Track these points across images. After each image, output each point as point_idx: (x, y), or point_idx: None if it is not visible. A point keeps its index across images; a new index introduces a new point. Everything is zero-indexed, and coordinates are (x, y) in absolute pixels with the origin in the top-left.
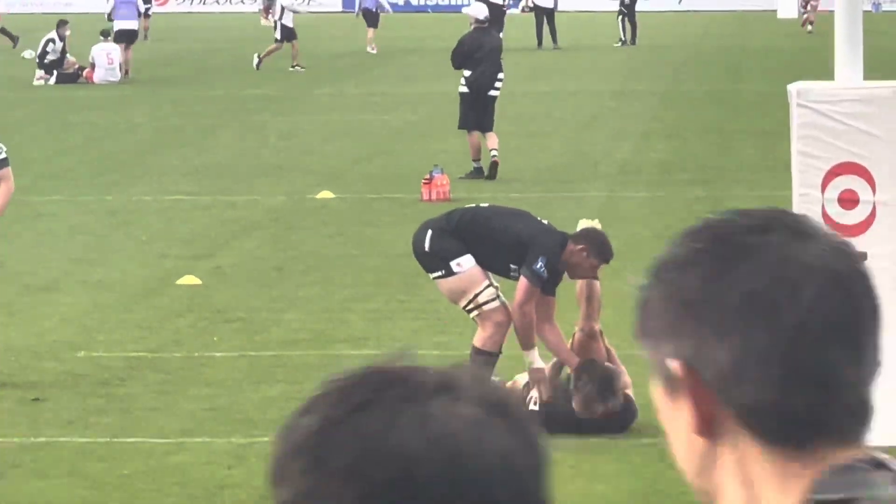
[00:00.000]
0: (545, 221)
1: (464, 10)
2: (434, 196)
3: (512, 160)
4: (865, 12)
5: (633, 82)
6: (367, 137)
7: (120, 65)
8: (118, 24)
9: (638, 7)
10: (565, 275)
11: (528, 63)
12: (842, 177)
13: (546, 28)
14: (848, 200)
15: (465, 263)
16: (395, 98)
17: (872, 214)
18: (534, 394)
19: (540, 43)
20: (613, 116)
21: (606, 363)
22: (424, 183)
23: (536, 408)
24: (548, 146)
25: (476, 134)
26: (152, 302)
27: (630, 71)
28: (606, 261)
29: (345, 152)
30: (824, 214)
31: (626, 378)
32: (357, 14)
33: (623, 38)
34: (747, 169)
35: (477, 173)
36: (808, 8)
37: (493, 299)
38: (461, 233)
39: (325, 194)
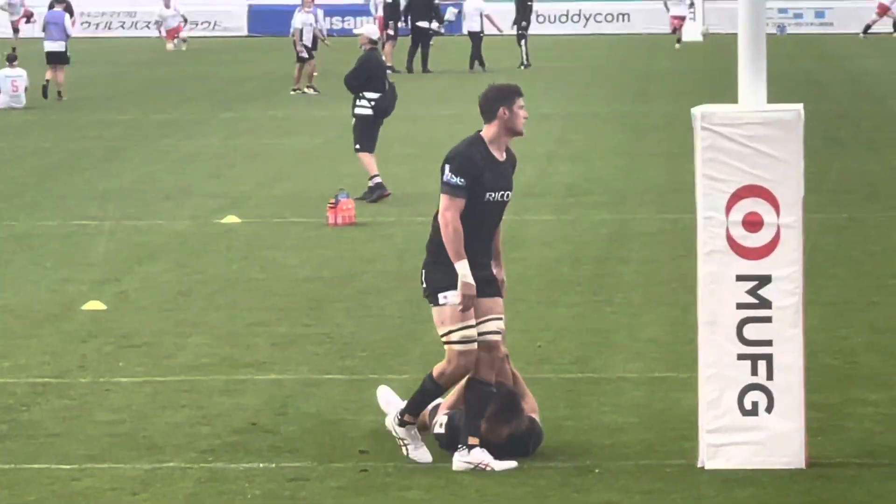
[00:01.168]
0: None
1: (356, 30)
2: (340, 220)
3: (419, 183)
4: (770, 35)
5: (539, 105)
6: (272, 161)
7: (44, 87)
8: (46, 46)
9: (545, 30)
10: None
11: (434, 87)
12: (746, 199)
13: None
14: (752, 223)
15: (451, 298)
16: (300, 122)
17: (776, 237)
18: (440, 418)
19: (472, 66)
20: (519, 139)
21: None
22: (330, 207)
23: (442, 430)
24: None
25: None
26: (57, 327)
27: (535, 93)
28: (520, 93)
29: (250, 176)
30: (728, 237)
31: (532, 401)
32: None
33: (524, 62)
34: (653, 191)
35: (379, 188)
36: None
37: (468, 341)
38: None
39: (231, 218)
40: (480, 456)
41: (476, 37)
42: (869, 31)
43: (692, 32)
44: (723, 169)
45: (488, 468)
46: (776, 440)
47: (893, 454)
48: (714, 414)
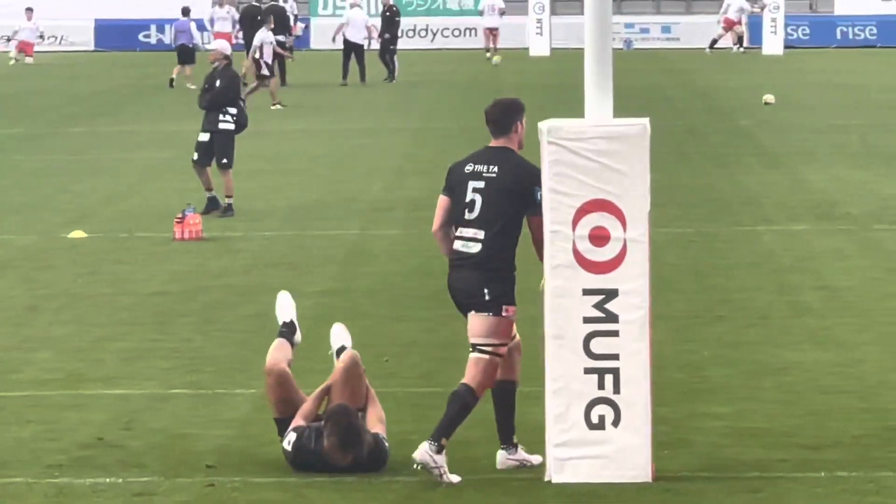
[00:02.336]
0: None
1: (209, 46)
2: (187, 235)
3: (267, 198)
4: (617, 50)
5: (387, 119)
6: (119, 176)
7: None
8: None
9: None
10: None
11: (287, 100)
12: (592, 214)
13: (355, 64)
14: (598, 237)
15: (513, 313)
16: (148, 136)
17: (623, 251)
18: (290, 436)
19: (344, 77)
20: (368, 154)
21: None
22: (177, 222)
23: (290, 448)
24: (303, 183)
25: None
26: None
27: (384, 108)
28: (523, 109)
29: (97, 191)
30: (575, 251)
31: (381, 413)
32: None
33: (390, 75)
34: None
35: (230, 209)
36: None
37: (504, 355)
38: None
39: (78, 233)
40: (443, 461)
41: (360, 49)
42: (715, 46)
43: (541, 48)
44: (569, 183)
45: (443, 477)
46: (623, 454)
47: (739, 467)
48: (561, 428)
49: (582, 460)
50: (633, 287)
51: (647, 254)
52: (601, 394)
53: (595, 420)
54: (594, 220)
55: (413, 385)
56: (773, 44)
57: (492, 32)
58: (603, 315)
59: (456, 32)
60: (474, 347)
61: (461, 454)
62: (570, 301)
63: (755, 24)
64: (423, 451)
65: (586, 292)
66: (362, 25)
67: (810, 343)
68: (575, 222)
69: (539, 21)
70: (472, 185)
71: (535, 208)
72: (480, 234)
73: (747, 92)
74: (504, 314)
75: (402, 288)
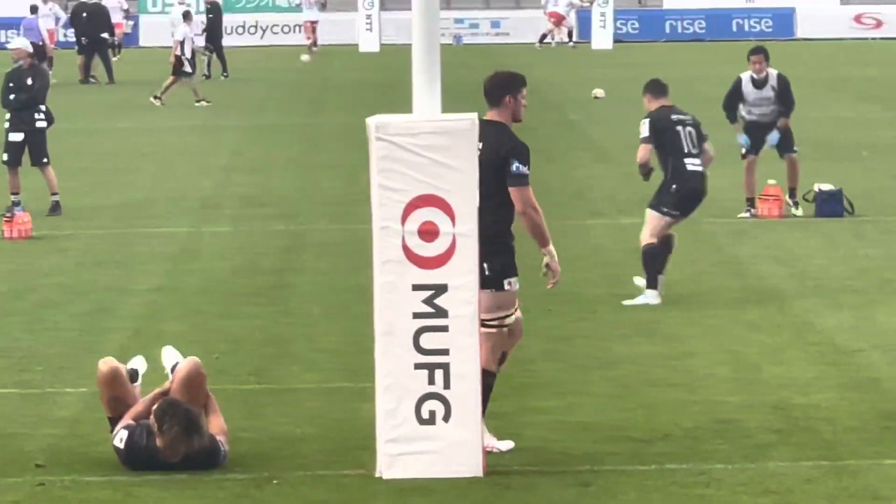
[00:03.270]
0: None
1: (10, 45)
2: (15, 234)
3: (95, 196)
4: (446, 45)
5: (216, 117)
6: None
7: None
8: None
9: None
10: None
11: (110, 99)
12: (421, 209)
13: (217, 61)
14: (428, 233)
15: (515, 285)
16: None
17: (452, 246)
18: (121, 433)
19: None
20: (197, 151)
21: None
22: (6, 221)
23: (121, 446)
24: (131, 182)
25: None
26: None
27: (213, 105)
28: (525, 83)
29: None
30: (404, 247)
31: (223, 424)
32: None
33: (222, 72)
34: (331, 203)
35: (58, 207)
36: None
37: (511, 325)
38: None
39: None
40: (487, 440)
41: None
42: (544, 41)
43: (370, 44)
44: (398, 179)
45: (495, 450)
46: (453, 449)
47: (569, 461)
48: (392, 423)
49: (413, 456)
50: (463, 282)
51: (477, 249)
52: (432, 389)
53: (426, 415)
54: (423, 215)
55: (243, 382)
56: (602, 38)
57: (312, 25)
58: (433, 310)
59: (286, 29)
60: (482, 323)
61: (292, 450)
62: (400, 297)
63: (584, 19)
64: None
65: (416, 287)
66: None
67: (640, 336)
68: (404, 218)
69: (369, 17)
70: None
71: (511, 179)
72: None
73: (577, 86)
74: (507, 287)
75: (232, 285)
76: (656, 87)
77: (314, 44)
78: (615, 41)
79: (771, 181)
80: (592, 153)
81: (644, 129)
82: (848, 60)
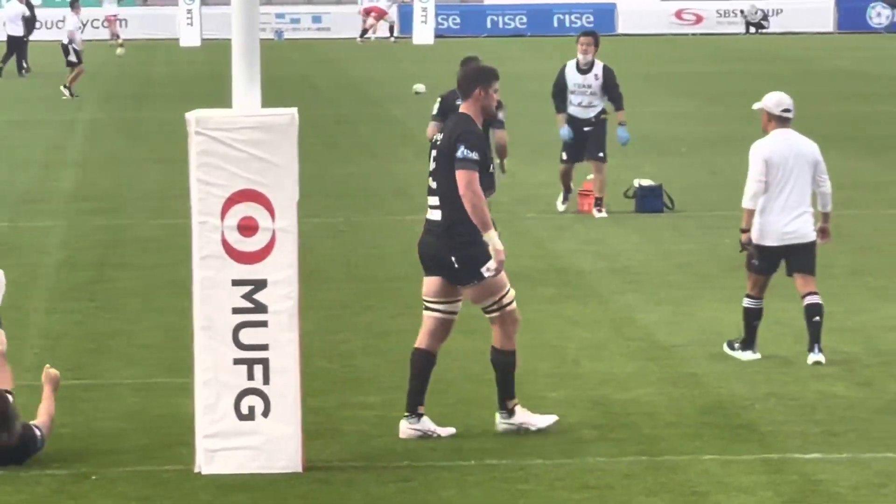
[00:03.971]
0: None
1: None
2: None
3: None
4: (267, 40)
5: (34, 112)
6: None
7: None
8: None
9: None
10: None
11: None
12: (241, 204)
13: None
14: (247, 227)
15: (492, 267)
16: None
17: (272, 241)
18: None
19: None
20: (14, 146)
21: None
22: None
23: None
24: None
25: None
26: None
27: (33, 100)
28: (497, 77)
29: None
30: (224, 242)
31: (52, 409)
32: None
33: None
34: (152, 198)
35: None
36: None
37: (513, 300)
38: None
39: None
40: (427, 425)
41: (19, 41)
42: (365, 36)
43: (191, 39)
44: (217, 174)
45: (533, 427)
46: (273, 444)
47: (390, 457)
48: (211, 419)
49: (232, 451)
50: (283, 277)
51: (297, 244)
52: (251, 384)
53: (245, 411)
54: (243, 210)
55: (63, 377)
56: (423, 33)
57: (113, 19)
58: (252, 305)
59: (95, 24)
60: (484, 311)
61: (111, 446)
62: (219, 292)
63: (406, 14)
64: (501, 424)
65: (235, 283)
66: (18, 18)
67: (458, 331)
68: (224, 213)
69: (189, 11)
70: (433, 153)
71: (457, 162)
72: (437, 202)
73: (398, 81)
74: (486, 275)
75: (52, 280)
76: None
77: (117, 37)
78: (436, 36)
79: (590, 176)
80: (414, 149)
81: (434, 107)
82: (668, 56)
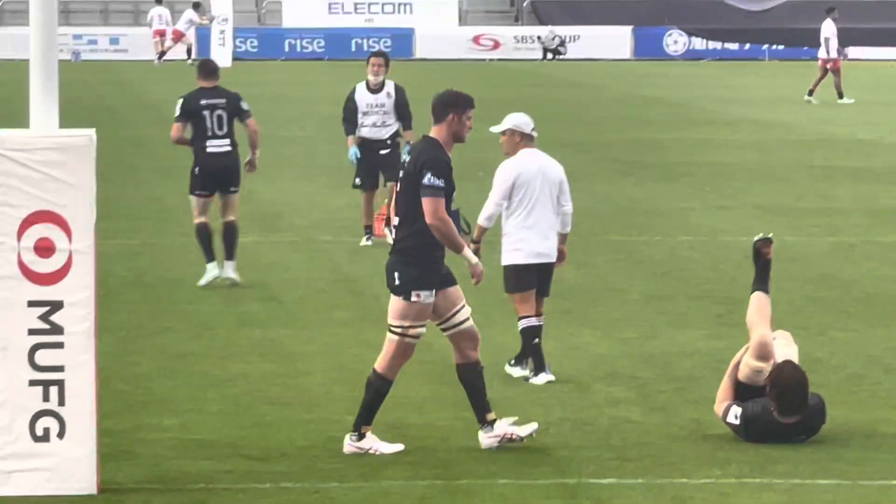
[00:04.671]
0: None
1: None
2: None
3: None
4: (64, 61)
5: None
6: None
7: None
8: None
9: None
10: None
11: None
12: (38, 225)
13: None
14: (44, 249)
15: (424, 298)
16: None
17: (69, 262)
18: None
19: None
20: None
21: None
22: None
23: None
24: None
25: None
26: None
27: None
28: (472, 105)
29: None
30: (20, 263)
31: None
32: None
33: None
34: None
35: None
36: None
37: (417, 337)
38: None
39: None
40: (371, 442)
41: None
42: (164, 58)
43: None
44: (15, 194)
45: (377, 452)
46: (68, 466)
47: (185, 479)
48: (5, 440)
49: (27, 473)
50: (79, 299)
51: (93, 265)
52: (46, 406)
53: (40, 432)
54: (40, 231)
55: None
56: (222, 56)
57: None
58: (48, 327)
59: None
60: (389, 328)
61: None
62: (15, 313)
63: (203, 36)
64: (348, 445)
65: (31, 304)
66: None
67: (256, 354)
68: (20, 233)
69: None
70: (401, 173)
71: (422, 189)
72: (396, 221)
73: None
74: (413, 299)
75: None
76: (200, 68)
77: None
78: (234, 59)
79: (386, 200)
80: None
81: (177, 108)
82: (466, 81)
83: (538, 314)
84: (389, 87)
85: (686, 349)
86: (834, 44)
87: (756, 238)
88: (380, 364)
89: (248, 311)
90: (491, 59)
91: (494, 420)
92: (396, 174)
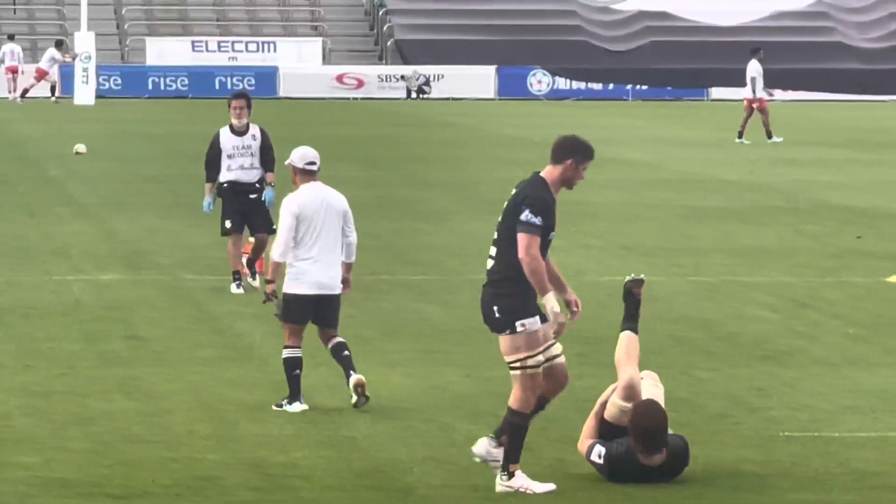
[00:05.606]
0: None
1: None
2: None
3: None
4: None
5: None
6: None
7: None
8: None
9: None
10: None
11: None
12: None
13: None
14: None
15: (529, 326)
16: None
17: None
18: None
19: None
20: None
21: None
22: None
23: None
24: None
25: None
26: None
27: None
28: (592, 157)
29: None
30: None
31: None
32: None
33: None
34: None
35: None
36: None
37: (538, 366)
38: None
39: None
40: (521, 481)
41: None
42: (26, 96)
43: None
44: None
45: (528, 491)
46: None
47: None
48: None
49: None
50: None
51: None
52: None
53: None
54: None
55: None
56: (84, 93)
57: None
58: None
59: None
60: (508, 366)
61: None
62: None
63: (67, 74)
64: (500, 485)
65: None
66: None
67: (119, 393)
68: None
69: None
70: (505, 204)
71: (518, 225)
72: (494, 252)
73: (58, 141)
74: (519, 329)
75: None
76: None
77: None
78: (98, 97)
79: (251, 238)
80: (73, 208)
81: None
82: (330, 120)
83: (333, 336)
84: (255, 129)
85: None
86: (760, 83)
87: (627, 278)
88: (512, 401)
89: (110, 350)
90: (355, 98)
91: (514, 472)
92: (263, 224)
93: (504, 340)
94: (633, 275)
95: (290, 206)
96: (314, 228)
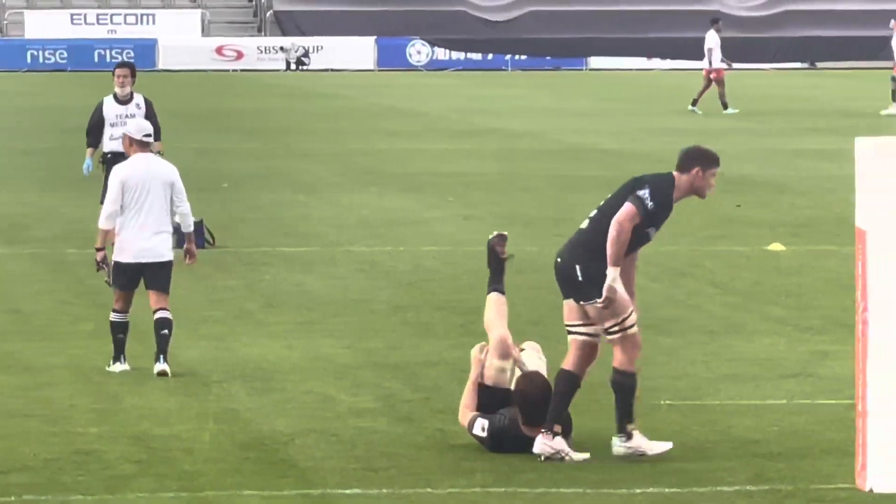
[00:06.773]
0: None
1: None
2: None
3: None
4: None
5: None
6: None
7: None
8: None
9: None
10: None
11: None
12: None
13: None
14: None
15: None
16: None
17: None
18: None
19: None
20: None
21: None
22: None
23: None
24: None
25: None
26: None
27: None
28: (719, 164)
29: None
30: None
31: None
32: None
33: None
34: None
35: None
36: None
37: (635, 324)
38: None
39: None
40: (561, 444)
41: None
42: None
43: None
44: None
45: (567, 458)
46: None
47: None
48: None
49: None
50: None
51: None
52: None
53: None
54: None
55: None
56: None
57: None
58: None
59: None
60: (605, 332)
61: None
62: None
63: None
64: (618, 446)
65: None
66: None
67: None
68: None
69: None
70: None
71: (631, 196)
72: (593, 213)
73: None
74: (607, 293)
75: None
76: None
77: None
78: None
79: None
80: None
81: None
82: (209, 92)
83: (162, 308)
84: (138, 98)
85: (431, 359)
86: (717, 54)
87: (491, 236)
88: (618, 363)
89: None
90: (234, 70)
91: (559, 433)
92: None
93: (594, 310)
94: (496, 231)
95: (118, 175)
96: (139, 197)
